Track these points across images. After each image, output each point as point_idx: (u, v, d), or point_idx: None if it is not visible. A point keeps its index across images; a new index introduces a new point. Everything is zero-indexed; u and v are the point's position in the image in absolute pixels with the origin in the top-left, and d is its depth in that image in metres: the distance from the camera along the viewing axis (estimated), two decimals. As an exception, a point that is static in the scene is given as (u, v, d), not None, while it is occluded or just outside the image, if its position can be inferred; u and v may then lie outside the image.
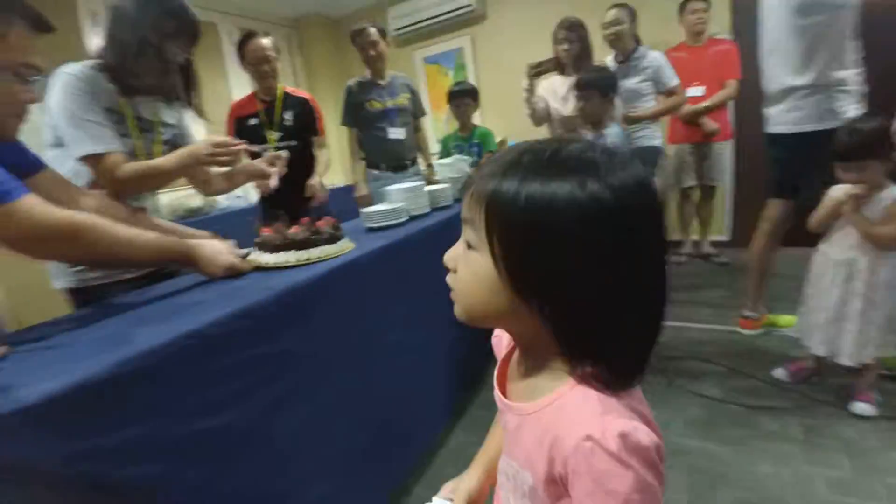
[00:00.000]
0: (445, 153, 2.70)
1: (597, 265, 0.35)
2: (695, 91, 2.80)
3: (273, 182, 1.34)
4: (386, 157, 2.54)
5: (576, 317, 0.37)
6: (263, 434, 0.91)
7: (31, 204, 0.77)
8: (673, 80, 2.37)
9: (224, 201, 3.34)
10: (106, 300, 1.07)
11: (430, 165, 2.69)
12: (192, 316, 0.85)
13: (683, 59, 2.73)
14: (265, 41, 2.10)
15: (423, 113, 2.73)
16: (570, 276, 0.36)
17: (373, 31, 2.39)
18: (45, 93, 1.12)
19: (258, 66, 2.10)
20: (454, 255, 0.45)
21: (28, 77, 0.82)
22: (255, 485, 0.88)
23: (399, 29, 4.10)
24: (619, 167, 0.36)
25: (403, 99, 2.55)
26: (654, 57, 2.38)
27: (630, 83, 2.38)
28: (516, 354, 0.50)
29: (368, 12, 4.18)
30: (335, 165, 2.32)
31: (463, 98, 2.65)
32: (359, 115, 2.48)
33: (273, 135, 2.17)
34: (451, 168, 2.18)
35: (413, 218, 1.66)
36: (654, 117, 2.39)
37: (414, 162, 2.68)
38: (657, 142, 2.44)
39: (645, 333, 0.40)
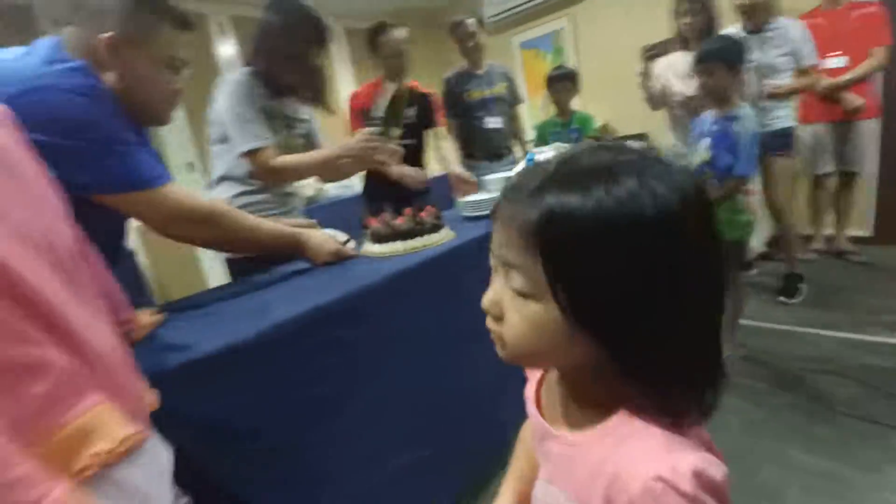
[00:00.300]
0: (542, 140, 2.66)
1: (684, 281, 0.33)
2: (835, 62, 2.43)
3: (394, 171, 1.44)
4: (483, 146, 2.57)
5: (656, 343, 0.33)
6: (364, 403, 0.99)
7: (178, 189, 0.90)
8: (811, 59, 2.11)
9: (332, 191, 3.60)
10: (249, 274, 1.24)
11: (527, 153, 2.66)
12: (318, 293, 0.95)
13: (820, 25, 2.39)
14: (401, 34, 1.99)
15: (520, 101, 2.71)
16: (658, 299, 0.32)
17: (471, 21, 2.42)
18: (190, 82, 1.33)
19: (392, 59, 1.99)
20: (497, 300, 0.39)
21: (178, 69, 0.92)
22: (352, 446, 0.97)
23: (495, 15, 4.07)
24: (676, 172, 0.34)
25: (501, 88, 2.55)
26: (794, 29, 2.12)
27: (767, 57, 2.13)
28: (553, 374, 0.47)
29: (464, 1, 4.20)
30: (429, 154, 2.35)
31: (562, 82, 2.58)
32: (457, 105, 2.53)
33: (395, 131, 2.11)
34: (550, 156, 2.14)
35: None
36: (786, 95, 2.16)
37: (510, 150, 2.67)
38: (792, 123, 2.20)
39: (713, 354, 0.36)
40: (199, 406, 0.73)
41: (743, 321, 1.97)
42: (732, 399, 1.65)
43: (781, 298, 2.33)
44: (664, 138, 2.66)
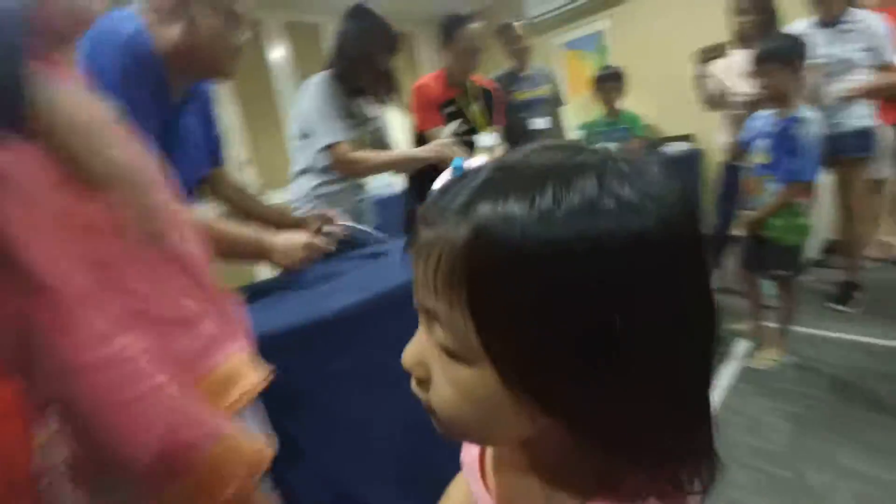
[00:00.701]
0: (588, 140, 2.68)
1: (660, 323, 0.24)
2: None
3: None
4: (527, 147, 2.60)
5: (629, 409, 0.24)
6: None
7: None
8: (890, 55, 1.99)
9: (374, 189, 3.69)
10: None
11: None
12: (382, 281, 1.01)
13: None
14: (479, 28, 1.85)
15: (563, 102, 2.74)
16: (628, 347, 0.23)
17: (519, 24, 2.47)
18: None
19: (466, 54, 1.86)
20: (420, 357, 0.29)
21: (237, 23, 0.89)
22: (406, 415, 1.00)
23: (538, 15, 4.08)
24: (652, 175, 0.25)
25: (545, 89, 2.58)
26: (875, 21, 2.00)
27: (841, 52, 2.02)
28: None
29: (507, 3, 4.22)
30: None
31: (609, 82, 2.62)
32: (504, 106, 2.57)
33: (461, 126, 1.98)
34: (596, 157, 2.15)
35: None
36: (865, 96, 2.04)
37: (553, 151, 2.70)
38: (870, 122, 2.08)
39: (701, 419, 0.28)
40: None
41: (795, 328, 1.94)
42: (783, 404, 1.63)
43: (835, 306, 2.26)
44: (712, 140, 2.63)
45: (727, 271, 2.39)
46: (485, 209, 0.24)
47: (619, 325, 0.23)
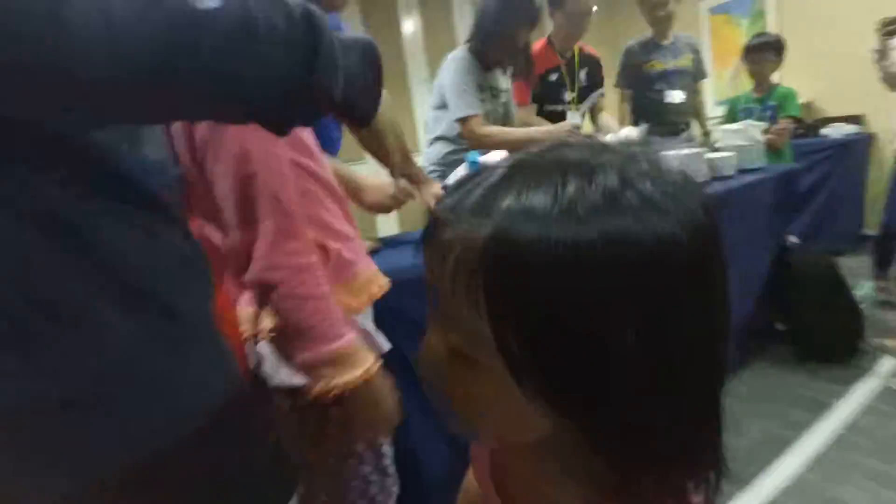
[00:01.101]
0: (731, 117, 2.45)
1: (677, 327, 0.24)
2: None
3: None
4: (658, 120, 2.45)
5: (636, 411, 0.24)
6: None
7: None
8: None
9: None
10: None
11: (706, 133, 2.48)
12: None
13: None
14: None
15: (704, 75, 2.51)
16: (644, 348, 0.23)
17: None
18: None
19: (577, 17, 1.87)
20: (438, 360, 0.28)
21: None
22: None
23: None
24: (675, 179, 0.25)
25: (686, 60, 2.38)
26: None
27: None
28: None
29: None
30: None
31: (764, 52, 2.34)
32: (636, 76, 2.44)
33: (570, 95, 2.02)
34: (739, 135, 1.98)
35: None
36: None
37: (687, 126, 2.51)
38: None
39: (710, 429, 0.27)
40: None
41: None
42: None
43: None
44: (888, 124, 2.25)
45: (890, 280, 2.09)
46: (505, 207, 0.23)
47: (638, 328, 0.23)
